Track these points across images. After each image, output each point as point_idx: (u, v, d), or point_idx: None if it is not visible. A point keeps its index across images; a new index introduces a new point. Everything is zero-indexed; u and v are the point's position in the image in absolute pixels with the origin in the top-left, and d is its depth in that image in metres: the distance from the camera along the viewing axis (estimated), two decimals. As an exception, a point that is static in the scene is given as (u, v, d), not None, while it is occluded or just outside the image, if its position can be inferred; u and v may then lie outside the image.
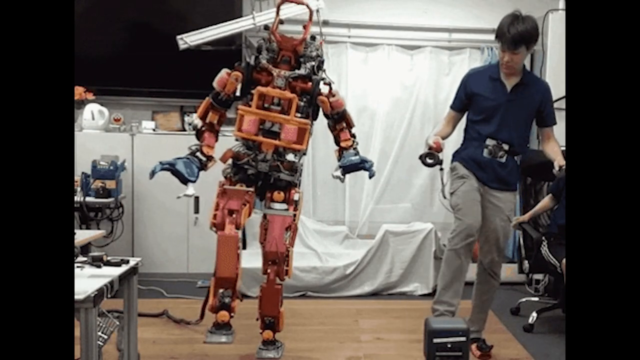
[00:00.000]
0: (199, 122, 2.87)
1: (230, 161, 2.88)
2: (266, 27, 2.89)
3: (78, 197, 3.90)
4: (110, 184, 4.06)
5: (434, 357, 2.53)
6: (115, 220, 4.25)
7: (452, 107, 3.10)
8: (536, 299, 4.00)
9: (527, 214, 3.70)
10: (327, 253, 4.38)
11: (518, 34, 2.74)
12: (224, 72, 2.85)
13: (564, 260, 3.19)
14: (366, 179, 3.49)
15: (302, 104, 2.82)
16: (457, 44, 4.84)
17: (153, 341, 3.18)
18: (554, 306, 3.69)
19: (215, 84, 2.86)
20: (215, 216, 2.74)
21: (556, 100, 4.44)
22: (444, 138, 2.98)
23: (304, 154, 2.98)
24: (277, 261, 2.80)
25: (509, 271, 4.48)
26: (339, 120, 2.95)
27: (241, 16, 4.39)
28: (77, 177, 3.96)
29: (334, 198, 4.86)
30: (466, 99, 3.00)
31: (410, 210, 4.81)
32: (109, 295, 2.04)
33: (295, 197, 2.89)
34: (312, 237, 4.61)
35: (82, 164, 4.04)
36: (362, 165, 2.85)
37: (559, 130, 4.43)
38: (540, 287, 4.29)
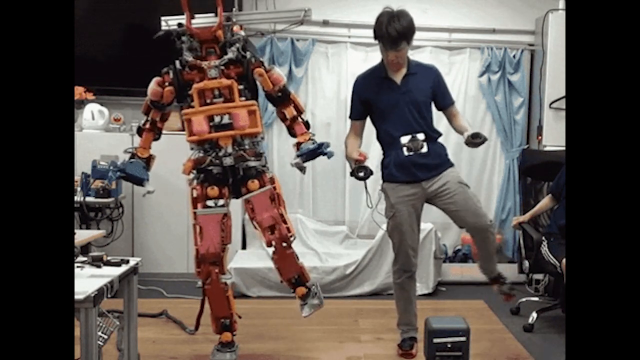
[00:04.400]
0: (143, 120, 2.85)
1: (194, 172, 2.80)
2: (180, 25, 2.78)
3: (78, 197, 3.90)
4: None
5: (434, 357, 2.53)
6: (115, 220, 4.25)
7: (351, 117, 3.08)
8: (536, 299, 4.00)
9: (527, 214, 3.70)
10: (327, 253, 4.38)
11: (397, 32, 2.75)
12: (154, 83, 2.78)
13: (564, 260, 3.19)
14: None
15: (242, 87, 2.75)
16: (457, 44, 4.84)
17: (153, 341, 3.19)
18: (554, 306, 3.69)
19: (149, 95, 2.79)
20: (198, 265, 2.73)
21: (556, 101, 4.49)
22: None
23: (262, 137, 2.90)
24: (275, 226, 2.73)
25: (509, 271, 4.48)
26: (285, 102, 2.84)
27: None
28: (77, 177, 3.96)
29: (334, 198, 4.86)
30: (362, 106, 3.00)
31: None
32: (109, 295, 2.04)
33: (269, 176, 2.83)
34: (312, 237, 4.61)
35: (82, 164, 4.04)
36: (320, 150, 2.77)
37: (559, 130, 4.50)
38: (540, 287, 4.29)
